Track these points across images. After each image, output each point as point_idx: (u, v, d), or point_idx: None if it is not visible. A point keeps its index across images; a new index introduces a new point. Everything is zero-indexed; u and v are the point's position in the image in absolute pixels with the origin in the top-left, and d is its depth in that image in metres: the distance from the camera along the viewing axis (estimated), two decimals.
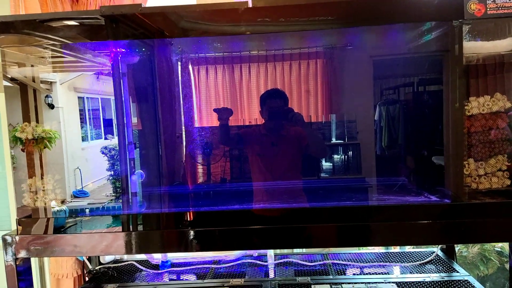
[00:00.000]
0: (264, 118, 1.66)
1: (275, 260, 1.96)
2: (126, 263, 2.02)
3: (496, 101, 1.32)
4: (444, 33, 1.40)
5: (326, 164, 1.79)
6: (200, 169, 1.85)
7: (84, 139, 2.43)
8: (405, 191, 1.59)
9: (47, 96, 2.08)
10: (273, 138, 1.68)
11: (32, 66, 1.73)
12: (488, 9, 1.25)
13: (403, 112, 1.69)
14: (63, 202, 1.89)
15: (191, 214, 1.51)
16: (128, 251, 1.46)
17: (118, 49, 1.66)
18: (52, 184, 1.60)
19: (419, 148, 1.67)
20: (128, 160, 1.72)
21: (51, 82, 2.18)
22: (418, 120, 1.69)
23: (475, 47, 1.34)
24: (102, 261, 1.98)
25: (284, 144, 1.70)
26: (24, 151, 1.65)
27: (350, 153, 1.78)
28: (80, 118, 2.42)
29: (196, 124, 1.84)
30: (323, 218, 1.43)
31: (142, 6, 1.32)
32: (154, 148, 1.81)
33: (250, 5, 1.29)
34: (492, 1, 1.25)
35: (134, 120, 1.79)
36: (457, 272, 1.80)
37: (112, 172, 1.90)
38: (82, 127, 2.46)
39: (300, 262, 1.94)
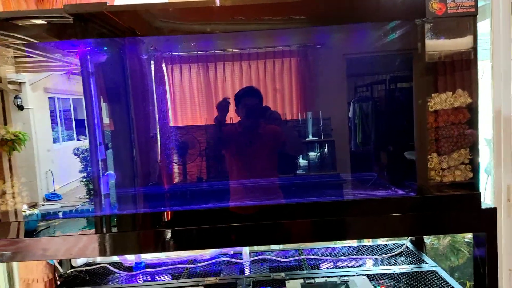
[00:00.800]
0: (240, 116, 1.66)
1: (250, 258, 1.97)
2: (98, 265, 1.98)
3: (457, 97, 1.36)
4: (408, 32, 1.43)
5: (302, 161, 1.80)
6: (175, 168, 1.84)
7: (55, 140, 2.38)
8: (376, 186, 1.63)
9: (16, 97, 2.03)
10: (250, 137, 1.68)
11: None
12: (448, 8, 1.29)
13: (376, 109, 1.73)
14: (35, 205, 1.85)
15: (167, 214, 1.50)
16: (102, 253, 1.44)
17: (87, 48, 1.63)
18: (18, 187, 1.55)
19: (389, 144, 1.71)
20: (99, 161, 1.69)
21: (20, 83, 2.11)
22: (389, 117, 1.73)
23: (437, 45, 1.38)
24: (74, 264, 1.93)
25: (261, 142, 1.70)
26: None
27: (325, 150, 1.80)
28: (51, 119, 2.37)
29: (171, 124, 1.82)
30: (298, 214, 1.44)
31: (107, 4, 1.29)
32: (127, 149, 1.79)
33: (217, 3, 1.28)
34: (452, 1, 1.29)
35: (106, 120, 1.76)
36: (426, 263, 1.85)
37: (85, 174, 1.87)
38: (53, 128, 2.41)
39: (275, 258, 1.96)
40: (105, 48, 1.67)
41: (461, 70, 1.39)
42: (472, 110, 1.37)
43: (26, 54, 1.69)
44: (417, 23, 1.34)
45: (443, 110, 1.36)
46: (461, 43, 1.38)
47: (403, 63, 1.61)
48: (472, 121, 1.38)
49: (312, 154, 1.80)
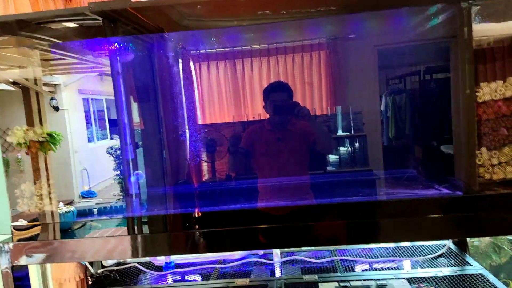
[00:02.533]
0: (269, 113, 1.57)
1: (281, 258, 1.88)
2: (128, 265, 1.96)
3: (509, 86, 1.21)
4: (452, 16, 1.29)
5: (332, 158, 1.70)
6: (204, 166, 1.79)
7: (90, 139, 2.40)
8: (414, 183, 1.50)
9: (51, 99, 2.05)
10: (279, 134, 1.59)
11: (33, 68, 1.68)
12: None
13: (410, 101, 1.60)
14: (71, 203, 1.86)
15: (197, 215, 1.44)
16: (134, 255, 1.40)
17: (115, 47, 1.60)
18: (54, 188, 1.55)
19: (427, 138, 1.57)
20: (128, 160, 1.66)
21: (55, 85, 2.14)
22: (425, 109, 1.59)
23: (484, 30, 1.23)
24: (104, 264, 1.92)
25: (290, 139, 1.61)
26: (28, 154, 1.60)
27: (357, 145, 1.69)
28: (86, 119, 2.40)
29: (200, 121, 1.77)
30: (330, 215, 1.34)
31: (132, 0, 1.24)
32: (157, 147, 1.75)
33: None
34: None
35: (137, 120, 1.74)
36: (471, 265, 1.69)
37: (118, 172, 1.86)
38: (88, 128, 2.44)
39: (307, 259, 1.86)
40: (133, 47, 1.63)
41: None
42: None
43: (59, 56, 1.68)
44: (463, 6, 1.20)
45: (493, 100, 1.22)
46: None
47: (441, 52, 1.47)
48: None
49: (342, 150, 1.69)
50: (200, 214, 1.45)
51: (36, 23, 1.37)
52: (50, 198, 1.55)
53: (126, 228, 1.47)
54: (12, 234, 1.45)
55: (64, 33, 1.44)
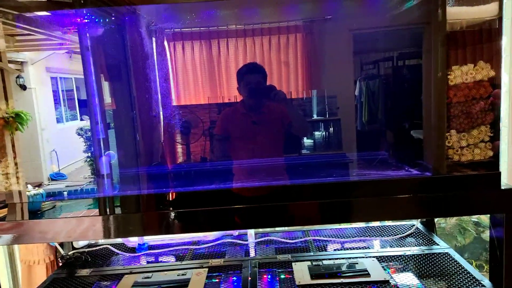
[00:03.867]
0: (243, 95, 1.54)
1: (255, 239, 1.89)
2: (100, 247, 1.91)
3: (479, 70, 1.23)
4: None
5: (307, 141, 1.70)
6: (179, 149, 1.75)
7: (59, 120, 2.31)
8: (386, 166, 1.53)
9: (18, 77, 1.96)
10: (254, 117, 1.57)
11: None
12: None
13: (383, 87, 1.61)
14: (40, 185, 1.79)
15: (171, 196, 1.42)
16: (106, 235, 1.36)
17: (85, 22, 1.52)
18: (22, 168, 1.48)
19: (399, 123, 1.59)
20: (99, 141, 1.60)
21: (21, 62, 2.03)
22: (398, 94, 1.61)
23: (458, 13, 1.24)
24: (75, 245, 1.86)
25: (265, 122, 1.59)
26: None
27: (331, 129, 1.70)
28: (54, 99, 2.30)
29: (174, 103, 1.72)
30: (304, 195, 1.35)
31: None
32: (130, 128, 1.70)
33: None
34: None
35: (108, 100, 1.67)
36: (437, 244, 1.75)
37: (89, 154, 1.80)
38: (56, 108, 2.34)
39: (281, 239, 1.87)
40: (103, 22, 1.55)
41: (484, 41, 1.26)
42: (494, 84, 1.25)
43: (25, 31, 1.59)
44: None
45: (464, 83, 1.24)
46: (485, 11, 1.24)
47: (415, 38, 1.48)
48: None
49: (317, 133, 1.70)
50: (173, 194, 1.42)
51: None
52: (17, 178, 1.48)
53: (97, 210, 1.42)
54: None
55: (28, 4, 1.35)
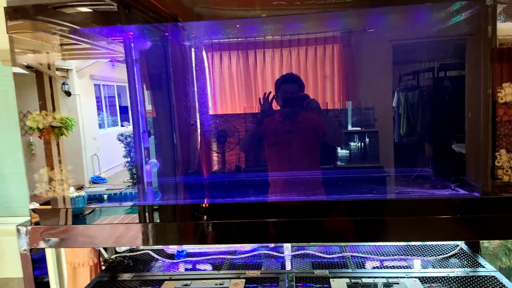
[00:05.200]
0: (279, 104, 1.60)
1: (292, 252, 1.91)
2: (141, 252, 2.02)
3: None
4: (475, 14, 1.29)
5: (343, 153, 1.72)
6: (215, 157, 1.81)
7: (101, 126, 2.44)
8: (425, 182, 1.51)
9: (63, 84, 2.08)
10: (289, 125, 1.62)
11: (47, 53, 1.70)
12: None
13: (423, 98, 1.60)
14: (81, 188, 1.90)
15: (207, 206, 1.48)
16: (145, 242, 1.45)
17: (131, 35, 1.62)
18: (65, 175, 1.58)
19: (439, 136, 1.58)
20: (142, 149, 1.69)
21: (67, 70, 2.17)
22: (438, 107, 1.59)
23: (509, 29, 1.23)
24: (118, 250, 1.97)
25: (300, 131, 1.64)
26: (41, 138, 1.64)
27: (368, 141, 1.70)
28: (97, 105, 2.42)
29: (211, 112, 1.79)
30: (341, 211, 1.37)
31: None
32: (169, 136, 1.78)
33: None
34: None
35: (149, 107, 1.76)
36: (483, 267, 1.71)
37: (129, 159, 1.89)
38: (98, 114, 2.47)
39: (317, 254, 1.89)
40: (149, 35, 1.65)
41: None
42: None
43: (73, 41, 1.70)
44: (487, 4, 1.19)
45: None
46: None
47: (459, 50, 1.46)
48: None
49: (353, 145, 1.71)
50: (209, 205, 1.48)
51: (53, 8, 1.39)
52: (68, 184, 1.59)
53: (135, 215, 1.50)
54: (30, 216, 1.50)
55: (79, 18, 1.46)
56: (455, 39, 1.47)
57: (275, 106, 1.59)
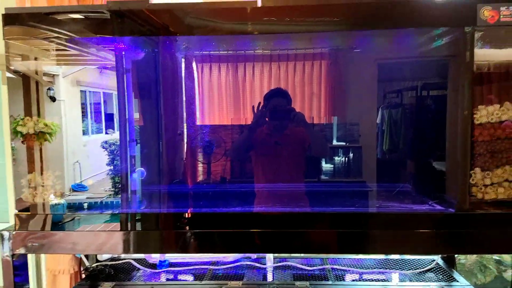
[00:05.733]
0: (268, 117, 1.65)
1: (274, 263, 1.94)
2: (123, 261, 2.00)
3: (505, 111, 1.29)
4: (455, 39, 1.37)
5: (327, 166, 1.77)
6: (200, 167, 1.84)
7: (84, 132, 2.42)
8: (406, 197, 1.57)
9: (49, 89, 2.07)
10: (276, 137, 1.68)
11: (36, 59, 1.71)
12: (501, 16, 1.23)
13: (406, 116, 1.67)
14: (61, 195, 1.88)
15: (191, 215, 1.49)
16: (126, 250, 1.45)
17: (123, 45, 1.64)
18: (52, 180, 1.58)
19: (421, 153, 1.65)
20: (128, 157, 1.70)
21: (53, 75, 2.16)
22: (420, 125, 1.67)
23: (486, 54, 1.31)
24: (99, 258, 1.95)
25: (287, 144, 1.70)
26: (24, 143, 1.63)
27: (351, 155, 1.76)
28: (82, 112, 2.41)
29: (198, 122, 1.82)
30: (323, 223, 1.41)
31: (150, 2, 1.29)
32: (155, 145, 1.79)
33: (259, 4, 1.26)
34: (506, 8, 1.23)
35: (136, 116, 1.77)
36: (457, 281, 1.77)
37: (112, 167, 1.89)
38: (83, 121, 2.45)
39: (299, 265, 1.92)
40: (140, 45, 1.68)
41: (511, 82, 1.32)
42: None
43: (62, 47, 1.71)
44: (466, 30, 1.28)
45: (490, 123, 1.30)
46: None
47: (441, 71, 1.55)
48: None
49: (337, 159, 1.76)
50: (193, 214, 1.49)
51: (46, 14, 1.41)
52: (49, 191, 1.58)
53: (116, 224, 1.50)
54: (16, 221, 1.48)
55: (75, 27, 1.47)
56: (438, 60, 1.56)
57: (264, 118, 1.65)
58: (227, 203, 1.67)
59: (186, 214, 1.49)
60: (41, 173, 1.62)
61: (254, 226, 1.41)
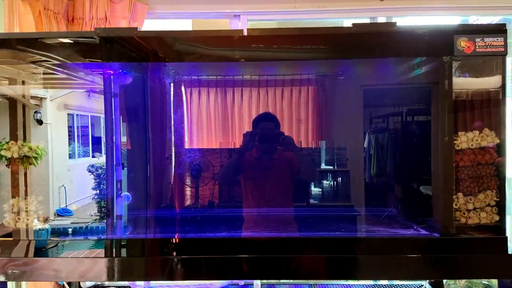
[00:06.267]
0: (256, 141, 1.67)
1: None
2: None
3: (484, 137, 1.33)
4: (434, 68, 1.43)
5: (316, 190, 1.78)
6: (188, 191, 1.83)
7: (71, 156, 2.40)
8: (393, 222, 1.59)
9: (36, 112, 2.06)
10: (265, 162, 1.69)
11: (23, 82, 1.71)
12: (477, 47, 1.28)
13: (392, 141, 1.71)
14: (46, 220, 1.85)
15: (178, 240, 1.47)
16: (110, 278, 1.42)
17: (111, 69, 1.66)
18: (35, 205, 1.56)
19: (408, 177, 1.67)
20: (115, 181, 1.68)
21: (41, 98, 2.15)
22: (406, 149, 1.70)
23: (464, 83, 1.36)
24: (82, 285, 1.91)
25: (275, 167, 1.70)
26: (8, 167, 1.61)
27: (340, 179, 1.78)
28: (69, 135, 2.40)
29: (186, 146, 1.82)
30: (312, 248, 1.41)
31: (138, 29, 1.33)
32: (142, 169, 1.78)
33: (245, 33, 1.31)
34: (481, 39, 1.28)
35: (123, 139, 1.77)
36: None
37: (98, 192, 1.87)
38: (70, 144, 2.43)
39: None
40: (127, 69, 1.70)
41: (489, 109, 1.37)
42: (499, 150, 1.34)
43: (50, 71, 1.72)
44: (444, 60, 1.33)
45: (470, 149, 1.33)
46: (489, 82, 1.37)
47: (423, 97, 1.60)
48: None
49: (326, 183, 1.77)
50: (179, 240, 1.48)
51: (35, 39, 1.42)
52: (32, 216, 1.55)
53: (100, 250, 1.48)
54: None
55: (64, 52, 1.49)
56: (420, 87, 1.60)
57: (253, 142, 1.67)
58: (214, 228, 1.66)
59: (173, 239, 1.47)
60: (25, 198, 1.59)
61: (241, 252, 1.40)
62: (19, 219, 1.57)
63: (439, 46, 1.30)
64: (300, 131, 1.77)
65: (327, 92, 1.79)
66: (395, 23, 1.29)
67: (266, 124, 1.69)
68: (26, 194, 1.62)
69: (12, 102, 1.67)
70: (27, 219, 1.59)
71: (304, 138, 1.78)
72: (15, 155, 1.50)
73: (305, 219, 1.69)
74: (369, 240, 1.41)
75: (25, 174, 1.66)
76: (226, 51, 1.38)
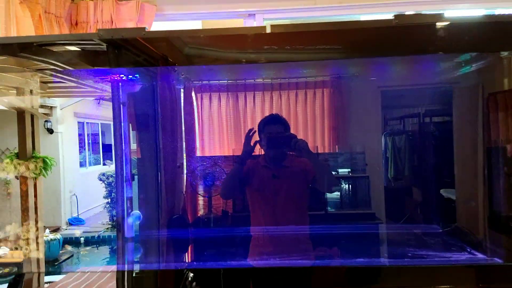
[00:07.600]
0: (264, 147, 1.42)
1: None
2: None
3: None
4: (487, 66, 1.27)
5: (333, 198, 1.61)
6: (201, 201, 1.73)
7: (82, 164, 2.35)
8: (437, 242, 1.39)
9: (46, 121, 2.01)
10: (274, 170, 1.43)
11: (31, 91, 1.63)
12: None
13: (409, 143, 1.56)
14: (57, 230, 1.79)
15: (192, 272, 1.34)
16: None
17: (119, 76, 1.57)
18: (34, 233, 1.47)
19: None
20: (127, 199, 1.56)
21: (51, 107, 2.10)
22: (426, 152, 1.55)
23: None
24: None
25: (287, 177, 1.45)
26: (18, 179, 1.55)
27: (358, 186, 1.63)
28: (79, 143, 2.35)
29: (198, 153, 1.73)
30: (335, 279, 1.23)
31: (146, 29, 1.15)
32: (153, 177, 1.68)
33: (268, 30, 1.11)
34: None
35: (133, 147, 1.69)
36: None
37: (109, 200, 1.79)
38: (80, 153, 2.38)
39: None
40: (136, 75, 1.60)
41: None
42: None
43: (59, 79, 1.65)
44: (502, 55, 1.17)
45: None
46: None
47: (447, 97, 1.45)
48: None
49: (345, 193, 1.62)
50: (195, 270, 1.34)
51: (39, 45, 1.31)
52: (37, 243, 1.45)
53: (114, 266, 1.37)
54: None
55: (65, 58, 1.39)
56: (441, 88, 1.48)
57: (259, 149, 1.44)
58: (228, 250, 1.51)
59: (186, 271, 1.34)
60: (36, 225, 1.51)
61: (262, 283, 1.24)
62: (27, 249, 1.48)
63: (497, 39, 1.09)
64: (315, 136, 1.64)
65: (343, 94, 1.66)
66: (443, 14, 1.08)
67: (274, 127, 1.43)
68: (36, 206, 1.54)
69: (20, 112, 1.60)
70: (38, 249, 1.49)
71: (320, 143, 1.64)
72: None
73: (323, 238, 1.49)
74: (411, 269, 1.19)
75: (35, 185, 1.60)
76: (244, 53, 1.20)
